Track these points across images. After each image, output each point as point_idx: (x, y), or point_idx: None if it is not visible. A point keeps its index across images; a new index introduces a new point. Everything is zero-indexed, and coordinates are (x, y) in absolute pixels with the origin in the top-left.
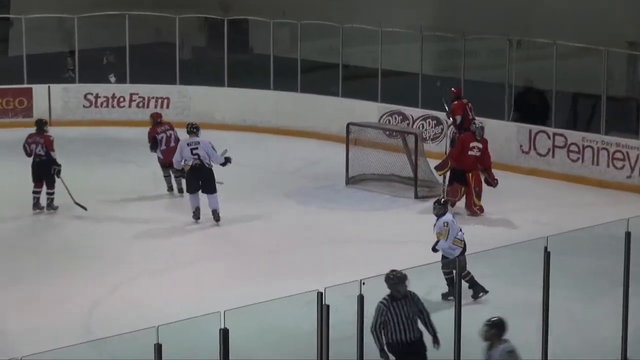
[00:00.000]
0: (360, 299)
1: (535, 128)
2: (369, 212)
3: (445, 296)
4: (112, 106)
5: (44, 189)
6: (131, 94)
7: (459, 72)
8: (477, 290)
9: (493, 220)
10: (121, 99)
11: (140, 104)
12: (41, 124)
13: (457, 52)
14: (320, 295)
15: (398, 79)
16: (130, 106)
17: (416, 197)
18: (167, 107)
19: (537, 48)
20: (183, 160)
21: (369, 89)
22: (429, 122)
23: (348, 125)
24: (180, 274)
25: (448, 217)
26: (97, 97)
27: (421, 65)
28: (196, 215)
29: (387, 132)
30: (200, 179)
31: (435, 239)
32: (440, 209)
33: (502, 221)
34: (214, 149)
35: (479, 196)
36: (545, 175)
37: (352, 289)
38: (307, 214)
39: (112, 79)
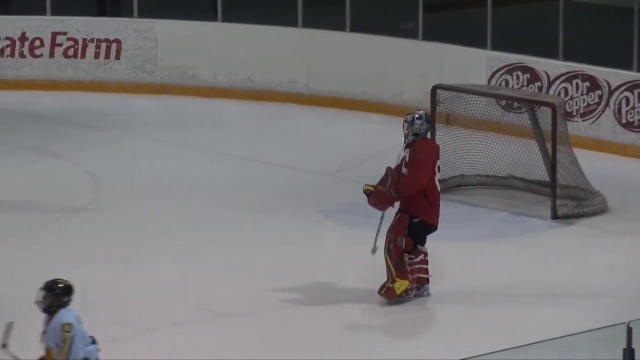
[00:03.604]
0: None
1: None
2: (472, 242)
3: None
4: (22, 55)
5: None
6: (54, 34)
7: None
8: None
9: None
10: (37, 43)
11: (71, 52)
12: None
13: None
14: None
15: (522, 9)
16: (52, 55)
17: (555, 216)
18: (117, 56)
19: None
20: None
21: (471, 26)
22: (577, 85)
23: (435, 89)
24: (140, 346)
25: (69, 314)
26: None
27: None
28: None
29: (504, 102)
30: None
31: None
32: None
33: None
34: None
35: (393, 261)
36: None
37: None
38: (360, 244)
39: None
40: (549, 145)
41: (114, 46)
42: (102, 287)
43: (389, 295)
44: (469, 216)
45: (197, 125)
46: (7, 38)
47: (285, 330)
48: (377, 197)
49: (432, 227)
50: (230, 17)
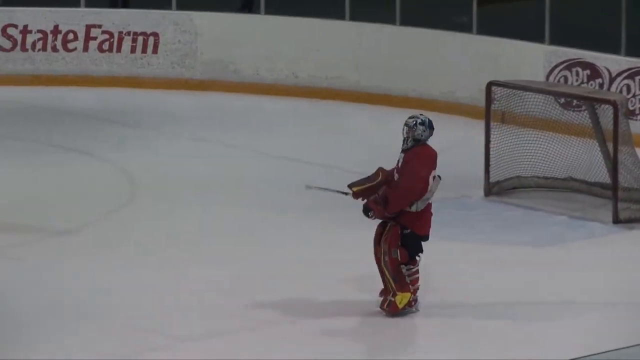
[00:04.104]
0: None
1: None
2: (528, 247)
3: None
4: (54, 49)
5: None
6: (88, 27)
7: None
8: None
9: None
10: (70, 36)
11: (106, 46)
12: None
13: None
14: None
15: (582, 1)
16: (86, 49)
17: (616, 220)
18: (155, 51)
19: None
20: None
21: (528, 19)
22: None
23: (489, 86)
24: (174, 355)
25: None
26: (25, 31)
27: None
28: None
29: (562, 100)
30: None
31: None
32: None
33: None
34: None
35: (391, 274)
36: None
37: None
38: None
39: None
40: (610, 146)
41: (151, 40)
42: (136, 292)
43: (392, 310)
44: (525, 220)
45: (239, 123)
46: (39, 31)
47: (324, 338)
48: (377, 214)
49: (424, 237)
50: (273, 9)
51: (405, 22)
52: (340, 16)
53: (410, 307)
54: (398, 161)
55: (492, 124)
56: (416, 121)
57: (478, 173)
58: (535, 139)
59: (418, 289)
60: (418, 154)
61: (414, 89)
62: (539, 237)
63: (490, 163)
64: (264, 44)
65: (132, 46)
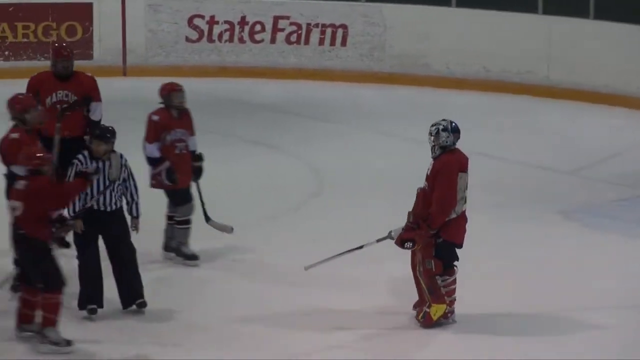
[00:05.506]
0: None
1: None
2: None
3: None
4: (241, 40)
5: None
6: (276, 18)
7: None
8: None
9: None
10: (257, 28)
11: (293, 38)
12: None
13: None
14: None
15: None
16: (273, 41)
17: None
18: (343, 43)
19: None
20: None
21: None
22: None
23: None
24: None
25: None
26: (212, 22)
27: None
28: None
29: None
30: None
31: None
32: None
33: None
34: None
35: (426, 285)
36: None
37: None
38: (603, 249)
39: None
40: None
41: (339, 32)
42: (330, 289)
43: (426, 322)
44: None
45: (428, 118)
46: (226, 22)
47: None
48: (421, 239)
49: (458, 245)
50: (465, 1)
51: (599, 15)
52: (532, 9)
53: (445, 319)
54: (428, 169)
55: None
56: (438, 128)
57: None
58: None
59: (455, 300)
60: (446, 164)
61: (606, 84)
62: None
63: None
64: (454, 37)
65: (320, 38)
